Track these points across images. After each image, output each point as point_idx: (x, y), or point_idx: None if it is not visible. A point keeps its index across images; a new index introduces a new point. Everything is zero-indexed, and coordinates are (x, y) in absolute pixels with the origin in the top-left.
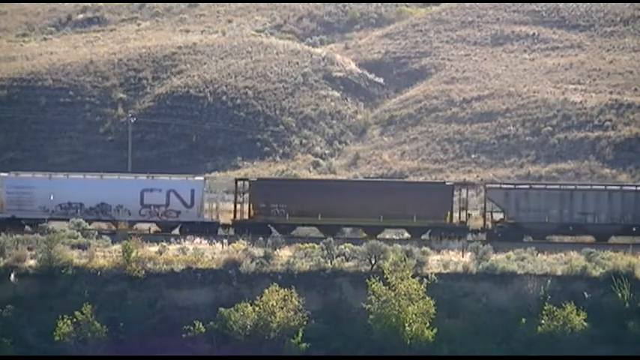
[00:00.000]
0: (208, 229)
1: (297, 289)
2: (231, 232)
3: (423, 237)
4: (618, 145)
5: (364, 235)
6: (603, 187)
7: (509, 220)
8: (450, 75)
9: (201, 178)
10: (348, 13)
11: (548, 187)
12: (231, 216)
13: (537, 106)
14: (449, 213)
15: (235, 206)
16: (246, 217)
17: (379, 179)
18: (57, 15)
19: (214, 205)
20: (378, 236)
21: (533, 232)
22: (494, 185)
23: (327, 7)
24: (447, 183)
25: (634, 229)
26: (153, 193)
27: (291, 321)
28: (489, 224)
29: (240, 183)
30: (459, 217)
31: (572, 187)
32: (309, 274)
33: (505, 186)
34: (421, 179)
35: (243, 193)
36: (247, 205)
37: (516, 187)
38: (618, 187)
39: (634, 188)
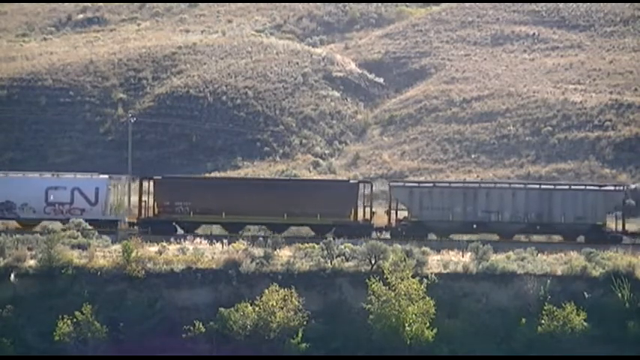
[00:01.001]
0: (113, 227)
1: (297, 289)
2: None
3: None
4: (618, 145)
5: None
6: (507, 185)
7: (412, 218)
8: (450, 75)
9: (106, 176)
10: (348, 13)
11: (452, 185)
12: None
13: (537, 106)
14: (353, 211)
15: (140, 204)
16: (151, 214)
17: (284, 177)
18: (57, 15)
19: (119, 203)
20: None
21: (437, 230)
22: (397, 183)
23: (327, 7)
24: (351, 181)
25: (538, 228)
26: (57, 191)
27: (291, 321)
28: (394, 222)
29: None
30: (364, 215)
31: (476, 185)
32: (309, 274)
33: (409, 184)
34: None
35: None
36: (152, 203)
37: (420, 185)
38: (522, 186)
39: (537, 187)
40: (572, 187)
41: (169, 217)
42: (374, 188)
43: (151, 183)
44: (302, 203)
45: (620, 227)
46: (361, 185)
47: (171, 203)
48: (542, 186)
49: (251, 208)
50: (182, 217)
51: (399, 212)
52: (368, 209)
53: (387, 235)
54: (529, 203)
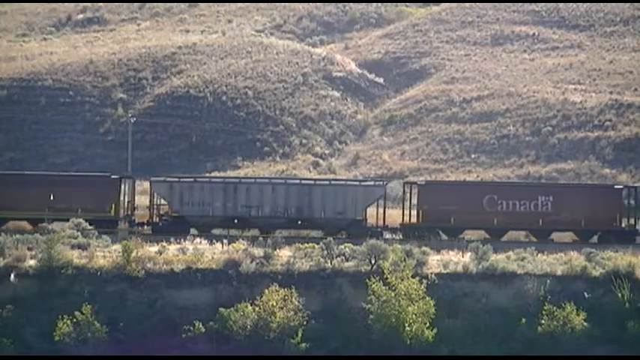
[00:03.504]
0: None
1: (297, 289)
2: None
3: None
4: (618, 145)
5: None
6: (267, 180)
7: (173, 213)
8: (450, 75)
9: None
10: (348, 13)
11: (212, 180)
12: None
13: (537, 106)
14: (114, 206)
15: None
16: None
17: (48, 172)
18: (57, 15)
19: None
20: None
21: (199, 225)
22: (158, 178)
23: (327, 7)
24: (112, 176)
25: (299, 223)
26: None
27: (291, 321)
28: (155, 217)
29: None
30: (125, 210)
31: (236, 180)
32: (309, 274)
33: (169, 179)
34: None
35: None
36: None
37: (180, 180)
38: (282, 181)
39: (298, 182)
40: (332, 182)
41: None
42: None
43: None
44: (63, 198)
45: (380, 222)
46: (123, 181)
47: None
48: (303, 181)
49: (13, 203)
50: None
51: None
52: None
53: (149, 230)
54: (289, 198)
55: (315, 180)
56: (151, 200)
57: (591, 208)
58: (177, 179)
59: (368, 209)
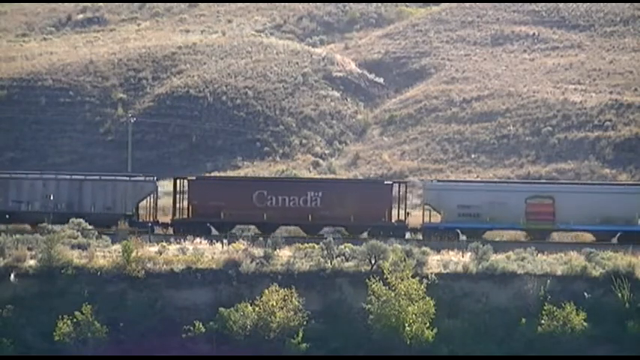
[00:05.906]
0: None
1: (297, 289)
2: None
3: None
4: (618, 145)
5: None
6: (38, 175)
7: None
8: (450, 75)
9: None
10: (348, 13)
11: None
12: None
13: (537, 106)
14: None
15: None
16: None
17: None
18: (57, 15)
19: None
20: None
21: None
22: None
23: (327, 7)
24: None
25: (70, 218)
26: None
27: (291, 321)
28: None
29: None
30: None
31: (7, 175)
32: (309, 274)
33: None
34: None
35: None
36: None
37: None
38: (53, 176)
39: (68, 177)
40: (102, 177)
41: None
42: None
43: None
44: None
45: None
46: None
47: None
48: (73, 176)
49: None
50: None
51: None
52: None
53: None
54: (60, 193)
55: (85, 175)
56: None
57: (360, 204)
58: None
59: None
